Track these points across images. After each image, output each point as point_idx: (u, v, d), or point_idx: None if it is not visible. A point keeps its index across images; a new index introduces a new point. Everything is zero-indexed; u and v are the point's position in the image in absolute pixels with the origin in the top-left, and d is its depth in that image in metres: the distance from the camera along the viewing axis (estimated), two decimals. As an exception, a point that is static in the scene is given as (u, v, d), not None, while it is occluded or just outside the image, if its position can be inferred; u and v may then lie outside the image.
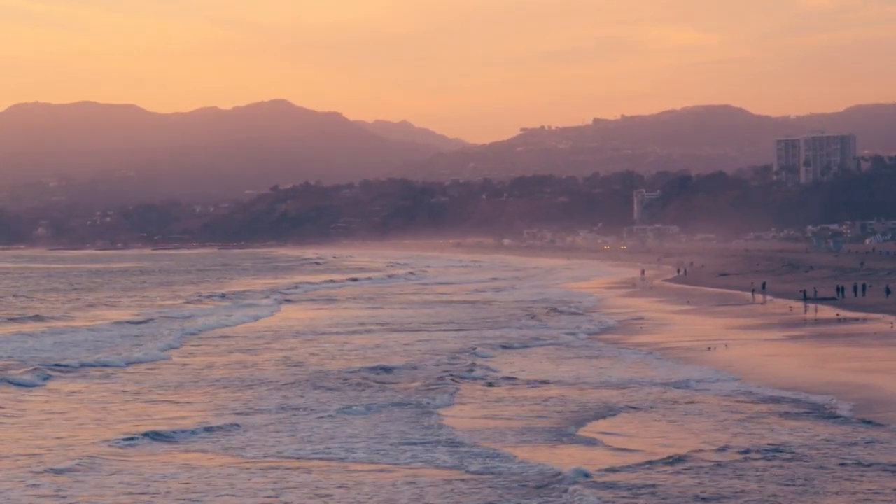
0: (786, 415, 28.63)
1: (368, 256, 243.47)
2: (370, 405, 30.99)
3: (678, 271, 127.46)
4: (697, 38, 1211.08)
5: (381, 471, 22.81)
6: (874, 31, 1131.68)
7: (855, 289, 73.71)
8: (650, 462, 22.87)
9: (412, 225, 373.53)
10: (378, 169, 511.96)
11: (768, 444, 24.49)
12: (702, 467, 22.39)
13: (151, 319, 66.10)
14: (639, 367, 39.83)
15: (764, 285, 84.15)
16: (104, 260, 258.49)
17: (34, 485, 21.71)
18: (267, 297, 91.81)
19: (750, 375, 36.33)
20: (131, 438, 26.24)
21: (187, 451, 25.03)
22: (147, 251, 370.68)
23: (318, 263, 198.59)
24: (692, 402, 30.95)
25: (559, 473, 21.78)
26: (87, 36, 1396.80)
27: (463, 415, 29.65)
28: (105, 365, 42.22)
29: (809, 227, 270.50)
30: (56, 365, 41.46)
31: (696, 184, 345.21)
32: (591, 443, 25.50)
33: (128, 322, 63.78)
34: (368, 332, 56.78)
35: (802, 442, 24.84)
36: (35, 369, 39.45)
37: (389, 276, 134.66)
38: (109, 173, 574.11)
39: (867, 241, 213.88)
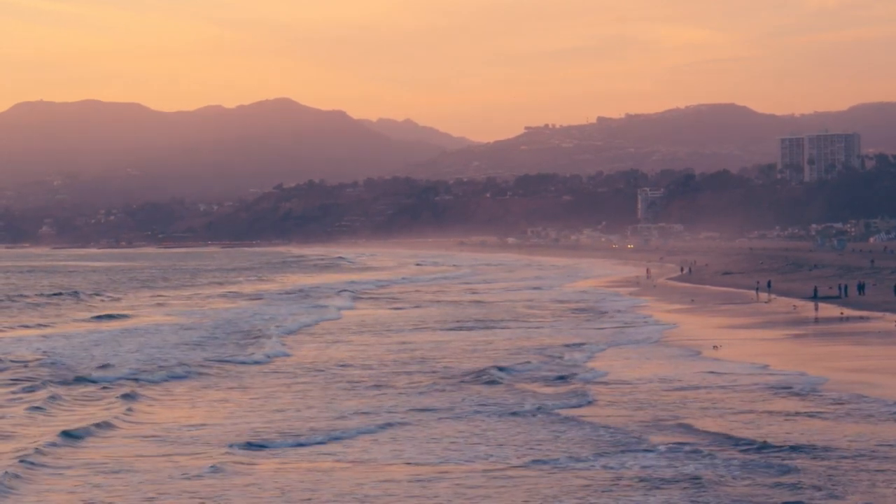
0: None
1: (386, 256, 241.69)
2: (513, 408, 31.22)
3: (682, 270, 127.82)
4: (702, 36, 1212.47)
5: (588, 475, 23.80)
6: (879, 29, 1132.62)
7: (859, 287, 74.12)
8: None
9: (416, 223, 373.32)
10: (382, 167, 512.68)
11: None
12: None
13: (242, 318, 67.53)
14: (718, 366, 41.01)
15: (769, 283, 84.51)
16: (129, 258, 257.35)
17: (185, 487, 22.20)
18: (339, 294, 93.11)
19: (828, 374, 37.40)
20: (279, 442, 26.49)
21: (330, 455, 25.30)
22: (153, 249, 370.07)
23: (350, 262, 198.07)
24: (802, 398, 32.40)
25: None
26: (91, 35, 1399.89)
27: (601, 413, 30.45)
28: (231, 363, 43.50)
29: (813, 226, 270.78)
30: (179, 364, 42.40)
31: (700, 182, 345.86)
32: (723, 436, 26.75)
33: (222, 321, 64.97)
34: (459, 329, 58.60)
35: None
36: (163, 368, 41.04)
37: (444, 277, 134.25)
38: (114, 172, 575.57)
39: (871, 240, 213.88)
